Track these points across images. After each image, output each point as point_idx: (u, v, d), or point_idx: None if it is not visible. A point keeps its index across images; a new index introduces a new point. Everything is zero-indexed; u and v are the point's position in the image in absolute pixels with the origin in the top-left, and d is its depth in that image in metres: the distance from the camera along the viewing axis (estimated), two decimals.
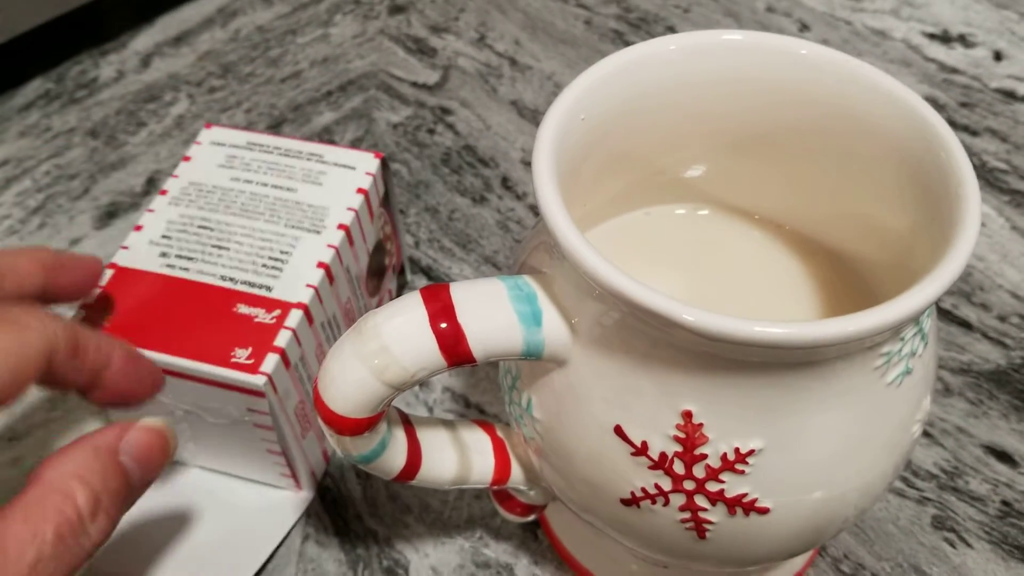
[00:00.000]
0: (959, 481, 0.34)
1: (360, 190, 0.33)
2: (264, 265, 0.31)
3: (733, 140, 0.27)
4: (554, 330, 0.22)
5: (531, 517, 0.30)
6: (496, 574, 0.32)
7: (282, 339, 0.29)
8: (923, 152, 0.22)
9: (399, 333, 0.21)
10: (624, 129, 0.26)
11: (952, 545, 0.32)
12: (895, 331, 0.20)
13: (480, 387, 0.37)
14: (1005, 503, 0.33)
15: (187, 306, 0.30)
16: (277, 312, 0.30)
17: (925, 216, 0.23)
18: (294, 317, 0.30)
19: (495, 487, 0.27)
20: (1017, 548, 0.32)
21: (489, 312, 0.22)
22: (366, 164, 0.34)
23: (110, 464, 0.24)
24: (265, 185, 0.33)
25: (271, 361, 0.29)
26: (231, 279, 0.31)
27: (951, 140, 0.22)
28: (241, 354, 0.29)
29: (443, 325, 0.22)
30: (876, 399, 0.22)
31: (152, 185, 0.44)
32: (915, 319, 0.20)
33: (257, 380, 0.28)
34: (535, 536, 0.33)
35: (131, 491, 0.24)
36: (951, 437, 0.35)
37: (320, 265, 0.31)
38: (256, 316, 0.30)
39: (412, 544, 0.32)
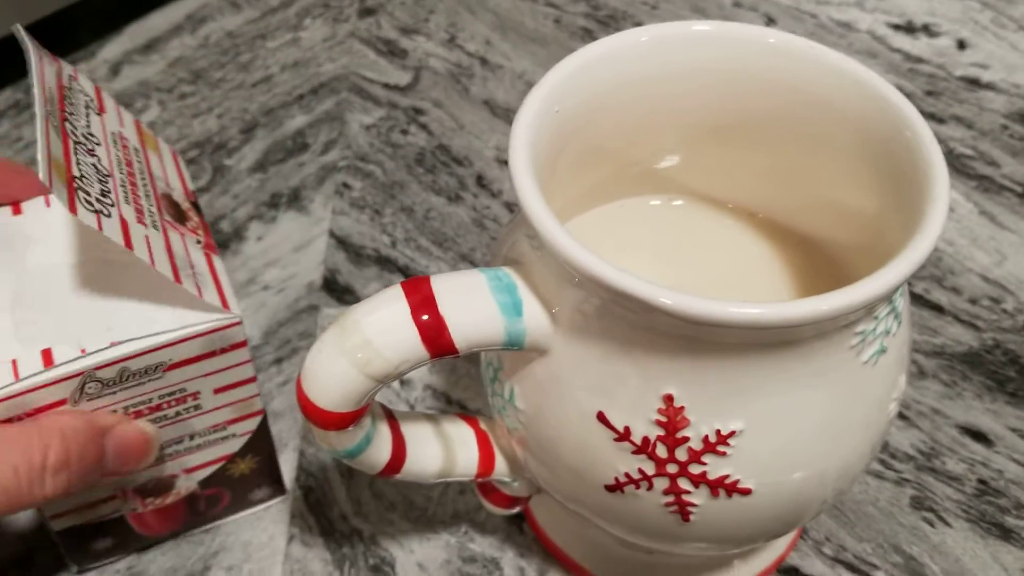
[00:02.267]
0: (936, 462, 0.34)
1: None
2: None
3: (705, 130, 0.27)
4: (535, 319, 0.22)
5: (516, 509, 0.30)
6: (483, 568, 0.32)
7: None
8: (891, 134, 0.23)
9: (381, 326, 0.22)
10: (598, 121, 0.26)
11: (931, 524, 0.33)
12: (869, 310, 0.21)
13: (461, 383, 0.37)
14: (982, 482, 0.34)
15: None
16: None
17: (895, 199, 0.23)
18: None
19: (480, 479, 0.27)
20: (995, 525, 0.33)
21: (470, 303, 0.22)
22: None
23: (94, 439, 0.26)
24: None
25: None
26: None
27: (917, 121, 0.22)
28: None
29: (425, 317, 0.22)
30: (852, 378, 0.22)
31: None
32: (888, 298, 0.21)
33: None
34: (520, 529, 0.33)
35: (98, 471, 0.27)
36: (927, 419, 0.35)
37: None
38: None
39: (398, 541, 0.33)
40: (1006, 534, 0.32)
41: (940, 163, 0.21)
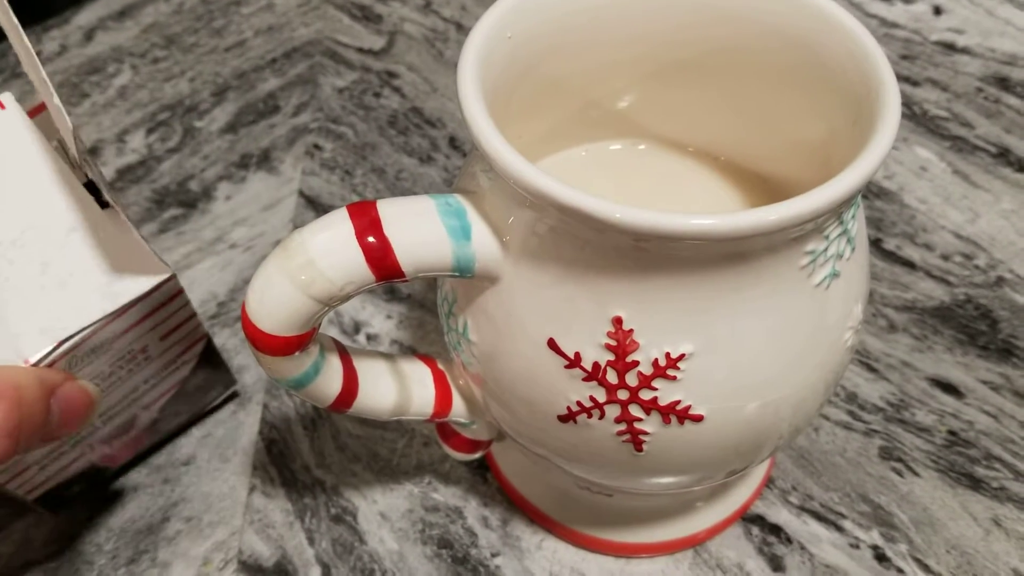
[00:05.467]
0: (905, 413, 0.34)
1: None
2: None
3: (662, 64, 0.27)
4: (484, 244, 0.22)
5: (477, 454, 0.30)
6: (445, 517, 0.31)
7: None
8: (843, 57, 0.22)
9: (325, 247, 0.21)
10: (554, 54, 0.26)
11: (900, 475, 0.32)
12: (818, 228, 0.20)
13: (428, 339, 0.36)
14: (951, 432, 0.33)
15: None
16: None
17: (849, 126, 0.23)
18: None
19: (437, 419, 0.27)
20: (964, 475, 0.32)
21: (417, 226, 0.22)
22: None
23: (42, 398, 0.24)
24: None
25: None
26: None
27: (865, 38, 0.22)
28: None
29: (370, 239, 0.21)
30: (804, 300, 0.22)
31: (94, 155, 0.43)
32: (836, 212, 0.20)
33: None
34: (484, 479, 0.32)
35: (44, 432, 0.24)
36: (896, 372, 0.35)
37: None
38: None
39: (360, 492, 0.32)
40: (976, 484, 0.32)
41: (891, 81, 0.21)
